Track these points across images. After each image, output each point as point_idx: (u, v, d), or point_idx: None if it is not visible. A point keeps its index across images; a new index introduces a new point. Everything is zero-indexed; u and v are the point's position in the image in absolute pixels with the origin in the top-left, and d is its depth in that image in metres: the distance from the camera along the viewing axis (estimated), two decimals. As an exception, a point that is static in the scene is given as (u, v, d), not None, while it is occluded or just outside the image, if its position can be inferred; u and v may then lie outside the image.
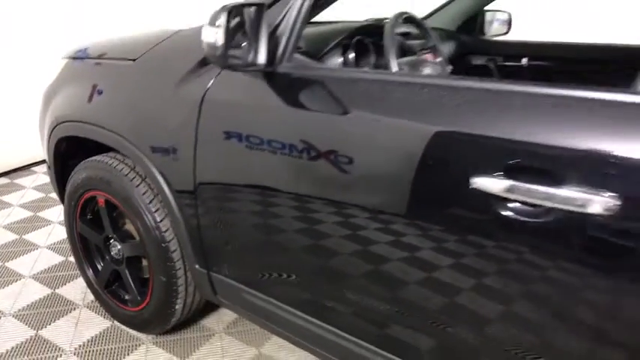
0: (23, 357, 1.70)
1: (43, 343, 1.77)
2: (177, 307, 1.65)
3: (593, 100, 0.83)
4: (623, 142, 0.76)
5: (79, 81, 1.73)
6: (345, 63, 1.53)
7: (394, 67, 1.30)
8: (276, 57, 1.19)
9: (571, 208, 0.80)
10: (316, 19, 1.49)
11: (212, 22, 1.02)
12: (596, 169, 0.79)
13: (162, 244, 1.55)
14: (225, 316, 1.94)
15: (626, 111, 0.79)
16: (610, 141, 0.77)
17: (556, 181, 0.81)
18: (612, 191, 0.76)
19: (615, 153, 0.76)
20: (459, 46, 2.37)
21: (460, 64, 2.36)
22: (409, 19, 1.53)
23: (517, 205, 0.86)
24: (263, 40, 1.11)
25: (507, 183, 0.85)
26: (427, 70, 1.46)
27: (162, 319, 1.70)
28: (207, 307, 1.91)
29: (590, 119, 0.82)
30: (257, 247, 1.35)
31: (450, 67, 1.79)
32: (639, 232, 0.77)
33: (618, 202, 0.76)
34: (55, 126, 1.79)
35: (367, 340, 1.19)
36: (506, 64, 2.35)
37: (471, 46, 2.40)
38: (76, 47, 1.82)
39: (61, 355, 1.72)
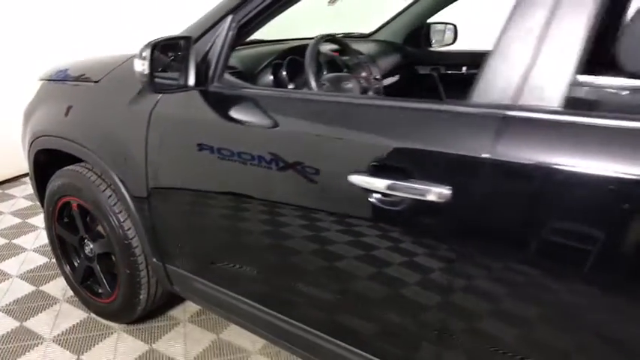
0: (9, 344, 1.92)
1: (27, 333, 1.99)
2: (141, 297, 1.87)
3: (430, 110, 1.05)
4: (449, 145, 0.98)
5: (53, 100, 1.95)
6: (278, 80, 1.75)
7: (312, 84, 1.53)
8: (207, 78, 1.41)
9: (417, 197, 1.01)
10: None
11: (140, 55, 1.25)
12: (433, 167, 1.00)
13: (125, 242, 1.76)
14: (190, 307, 2.16)
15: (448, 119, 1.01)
16: (442, 144, 0.99)
17: (406, 176, 1.03)
18: (446, 184, 0.98)
19: (446, 151, 0.98)
20: (406, 57, 2.59)
21: (407, 74, 2.59)
22: (333, 40, 1.75)
23: (380, 195, 1.07)
24: (192, 66, 1.34)
25: (371, 179, 1.07)
26: (349, 85, 1.68)
27: (129, 308, 1.92)
28: (175, 299, 2.13)
29: (424, 126, 1.04)
30: (202, 241, 1.57)
31: (395, 77, 2.01)
32: (468, 215, 0.99)
33: (450, 192, 0.97)
34: (34, 140, 2.02)
35: (303, 321, 1.39)
36: (449, 72, 2.57)
37: (417, 57, 2.62)
38: (50, 69, 2.05)
39: (42, 343, 1.94)
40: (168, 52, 1.32)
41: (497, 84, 0.97)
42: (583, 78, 0.96)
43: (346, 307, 1.26)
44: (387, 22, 2.62)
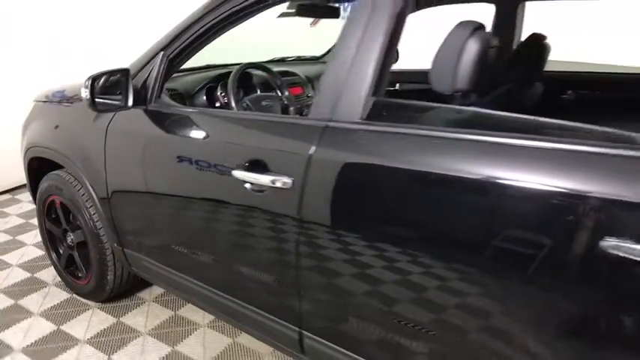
0: (4, 318, 2.34)
1: (20, 309, 2.41)
2: (109, 277, 2.27)
3: (282, 122, 1.43)
4: (291, 146, 1.35)
5: (42, 117, 2.40)
6: (211, 100, 2.15)
7: (232, 104, 1.93)
8: (146, 100, 1.82)
9: (272, 186, 1.38)
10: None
11: (84, 85, 1.66)
12: (282, 163, 1.38)
13: (95, 231, 2.18)
14: (156, 289, 2.55)
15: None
16: (287, 146, 1.37)
17: (266, 170, 1.40)
18: (289, 176, 1.35)
19: (289, 150, 1.35)
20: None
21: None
22: (255, 67, 2.15)
23: (251, 185, 1.45)
24: (130, 91, 1.75)
25: (245, 173, 1.45)
26: (269, 104, 2.06)
27: (100, 288, 2.33)
28: (144, 283, 2.52)
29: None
30: (147, 229, 1.97)
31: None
32: (305, 198, 1.35)
33: (291, 181, 1.34)
34: (28, 149, 2.46)
35: (227, 292, 1.75)
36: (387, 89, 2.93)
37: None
38: (42, 92, 2.49)
39: (30, 317, 2.35)
40: (110, 81, 1.74)
41: (322, 103, 1.35)
42: (379, 97, 1.31)
43: (242, 273, 1.64)
44: (331, 48, 3.00)
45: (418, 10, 1.36)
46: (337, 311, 1.41)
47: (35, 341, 2.18)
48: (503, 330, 1.10)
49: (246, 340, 2.15)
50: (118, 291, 2.39)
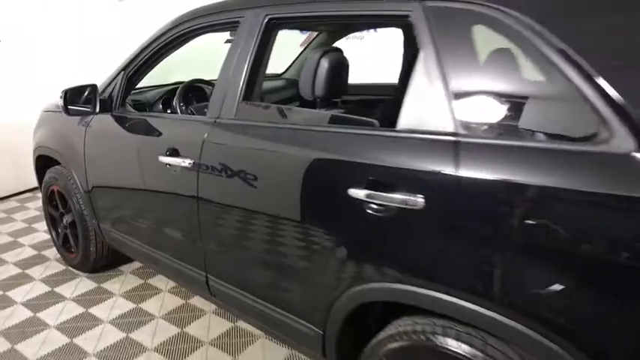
0: (14, 281, 2.95)
1: (26, 276, 3.01)
2: (91, 249, 2.84)
3: (192, 120, 1.96)
4: (193, 135, 1.88)
5: (46, 123, 3.02)
6: (168, 108, 2.71)
7: (177, 110, 2.49)
8: (112, 107, 2.39)
9: (182, 166, 1.91)
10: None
11: (60, 96, 2.25)
12: (188, 149, 1.90)
13: (81, 212, 2.76)
14: (134, 264, 3.11)
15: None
16: (191, 136, 1.90)
17: (178, 155, 1.93)
18: (191, 157, 1.88)
19: (193, 140, 1.88)
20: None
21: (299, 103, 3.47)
22: (203, 82, 2.71)
23: (169, 166, 1.98)
24: (97, 100, 2.33)
25: (168, 158, 1.98)
26: (206, 110, 2.60)
27: (86, 259, 2.91)
28: (124, 259, 3.08)
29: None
30: (113, 207, 2.53)
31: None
32: (202, 174, 1.86)
33: (192, 162, 1.87)
34: (36, 148, 3.09)
35: (160, 249, 2.29)
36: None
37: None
38: (48, 103, 3.12)
39: (32, 281, 2.95)
40: (82, 93, 2.33)
41: (213, 106, 1.87)
42: (247, 101, 1.82)
43: (167, 234, 2.16)
44: (292, 63, 3.54)
45: (282, 28, 1.87)
46: (226, 260, 1.92)
47: (33, 297, 2.76)
48: (324, 263, 1.57)
49: (197, 301, 2.67)
50: (100, 262, 2.97)
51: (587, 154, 1.04)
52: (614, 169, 1.00)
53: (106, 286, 2.89)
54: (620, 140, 1.00)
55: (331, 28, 2.80)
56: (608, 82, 1.03)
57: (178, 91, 2.56)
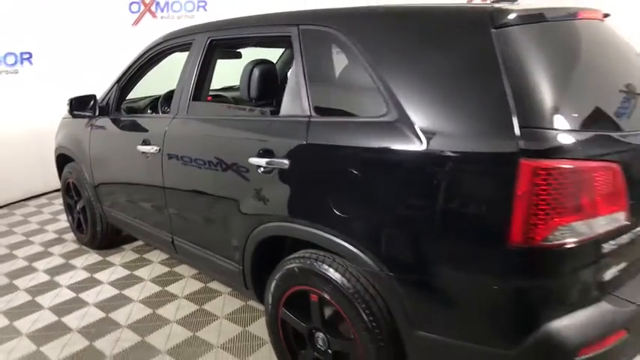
0: (41, 255, 3.63)
1: (48, 253, 3.69)
2: (97, 229, 3.51)
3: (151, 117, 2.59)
4: (154, 127, 2.51)
5: (64, 128, 3.72)
6: (154, 111, 3.36)
7: (159, 112, 3.12)
8: (108, 112, 3.05)
9: (151, 152, 2.53)
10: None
11: (66, 103, 2.92)
12: (154, 139, 2.53)
13: (89, 199, 3.43)
14: (135, 243, 3.75)
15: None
16: (153, 128, 2.52)
17: (149, 144, 2.55)
18: (157, 145, 2.50)
19: (154, 131, 2.51)
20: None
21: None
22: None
23: (143, 153, 2.60)
24: (97, 106, 2.99)
25: (142, 147, 2.61)
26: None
27: (93, 238, 3.57)
28: (128, 239, 3.73)
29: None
30: (111, 191, 3.18)
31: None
32: (165, 158, 2.47)
33: (158, 148, 2.48)
34: (56, 148, 3.80)
35: (143, 220, 2.92)
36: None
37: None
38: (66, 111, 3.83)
39: (52, 256, 3.62)
40: (84, 101, 3.00)
41: (174, 106, 2.49)
42: (195, 101, 2.42)
43: (144, 207, 2.78)
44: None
45: (224, 59, 2.48)
46: (183, 222, 2.52)
47: (52, 267, 3.44)
48: (238, 213, 2.13)
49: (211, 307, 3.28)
50: (105, 240, 3.62)
51: (376, 124, 1.58)
52: (386, 130, 1.54)
53: (110, 258, 3.54)
54: (392, 114, 1.54)
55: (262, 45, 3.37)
56: (388, 78, 1.57)
57: (161, 97, 3.20)
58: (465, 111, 1.41)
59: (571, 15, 1.61)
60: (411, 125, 1.47)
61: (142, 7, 5.87)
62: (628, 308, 1.41)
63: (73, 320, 2.73)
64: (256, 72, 2.39)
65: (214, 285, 3.04)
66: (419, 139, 1.45)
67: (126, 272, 3.31)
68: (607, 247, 1.35)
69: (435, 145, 1.42)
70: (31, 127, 5.06)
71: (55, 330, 2.64)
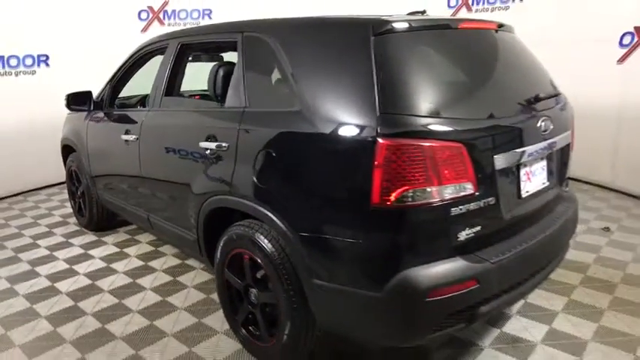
0: (48, 236, 4.09)
1: (52, 233, 4.15)
2: (94, 212, 3.95)
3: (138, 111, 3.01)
4: (134, 119, 2.92)
5: (69, 122, 4.19)
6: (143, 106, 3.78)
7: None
8: (102, 106, 3.49)
9: (131, 140, 2.94)
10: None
11: (64, 98, 3.37)
12: (132, 129, 2.94)
13: (87, 184, 3.88)
14: (128, 226, 4.17)
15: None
16: (133, 120, 2.94)
17: (129, 133, 2.97)
18: (136, 134, 2.91)
19: (135, 120, 2.92)
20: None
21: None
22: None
23: (124, 141, 3.02)
24: (91, 102, 3.43)
25: (124, 135, 3.02)
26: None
27: (91, 219, 4.02)
28: (122, 224, 4.16)
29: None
30: (104, 176, 3.61)
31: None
32: (142, 144, 2.88)
33: (136, 137, 2.89)
34: (62, 139, 4.27)
35: (127, 201, 3.34)
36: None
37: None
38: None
39: (54, 235, 4.08)
40: (81, 96, 3.44)
41: (150, 101, 2.90)
42: (168, 97, 2.81)
43: (126, 190, 3.19)
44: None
45: (193, 61, 2.87)
46: (155, 200, 2.92)
47: (53, 244, 3.89)
48: (192, 189, 2.51)
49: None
50: (101, 223, 4.06)
51: (287, 113, 1.94)
52: (293, 118, 1.90)
53: (104, 239, 3.97)
54: (297, 106, 1.89)
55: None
56: (297, 75, 1.93)
57: (149, 94, 3.63)
58: (345, 102, 1.76)
59: (449, 25, 1.94)
60: (308, 114, 1.83)
61: (151, 15, 6.37)
62: (480, 264, 1.73)
63: (64, 285, 3.16)
64: (220, 72, 2.79)
65: (191, 262, 3.43)
66: (312, 124, 1.81)
67: (116, 249, 3.73)
68: (456, 211, 1.67)
69: (323, 128, 1.77)
70: (46, 123, 5.56)
71: (47, 292, 3.07)
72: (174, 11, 6.54)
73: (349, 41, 1.82)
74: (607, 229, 3.85)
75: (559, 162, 2.23)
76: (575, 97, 5.08)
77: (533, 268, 2.01)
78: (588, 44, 4.79)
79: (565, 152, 2.26)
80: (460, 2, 6.04)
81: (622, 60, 4.61)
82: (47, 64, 5.54)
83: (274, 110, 2.04)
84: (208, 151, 2.28)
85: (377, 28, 1.75)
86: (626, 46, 4.58)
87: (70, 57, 5.64)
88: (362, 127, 1.66)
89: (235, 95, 2.24)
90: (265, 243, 2.01)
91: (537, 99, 1.96)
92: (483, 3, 5.90)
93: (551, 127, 2.00)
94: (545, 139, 1.99)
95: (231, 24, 2.44)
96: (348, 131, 1.70)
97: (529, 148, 1.89)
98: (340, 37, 1.88)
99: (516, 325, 2.55)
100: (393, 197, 1.60)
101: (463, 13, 5.99)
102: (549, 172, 2.15)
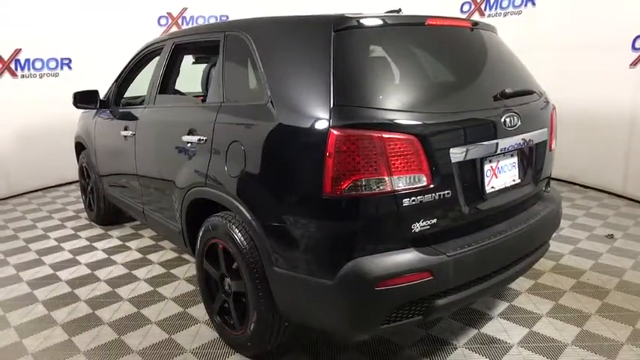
0: (59, 228, 4.29)
1: (63, 226, 4.35)
2: (101, 206, 4.11)
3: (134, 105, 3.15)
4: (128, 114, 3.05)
5: (81, 120, 4.39)
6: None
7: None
8: (108, 104, 3.65)
9: (129, 135, 3.08)
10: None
11: (72, 96, 3.54)
12: (130, 124, 3.07)
13: (95, 180, 4.05)
14: (134, 222, 4.32)
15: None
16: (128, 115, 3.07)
17: (128, 129, 3.10)
18: (132, 130, 3.04)
19: (133, 114, 3.05)
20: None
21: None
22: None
23: (124, 136, 3.15)
24: (98, 100, 3.60)
25: (123, 131, 3.16)
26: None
27: (98, 213, 4.20)
28: (129, 218, 4.32)
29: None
30: (108, 171, 3.77)
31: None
32: (137, 139, 3.01)
33: (133, 132, 3.02)
34: (75, 137, 4.48)
35: (125, 195, 3.48)
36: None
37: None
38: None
39: (66, 228, 4.27)
40: (88, 95, 3.61)
41: (147, 98, 3.02)
42: (161, 94, 2.93)
43: (125, 185, 3.32)
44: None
45: (181, 51, 2.98)
46: (149, 193, 3.03)
47: (62, 236, 4.07)
48: (176, 181, 2.61)
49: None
50: (108, 217, 4.22)
51: (256, 106, 2.01)
52: (260, 110, 1.96)
53: (110, 232, 4.13)
54: (265, 99, 1.96)
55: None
56: (266, 70, 2.00)
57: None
58: (305, 94, 1.81)
59: (415, 22, 1.97)
60: (272, 107, 1.89)
61: (170, 21, 6.60)
62: (435, 257, 1.74)
63: (64, 274, 3.31)
64: (210, 71, 2.90)
65: (187, 256, 3.53)
66: (274, 116, 1.87)
67: (119, 243, 3.87)
68: (409, 202, 1.69)
69: (284, 120, 1.83)
70: (68, 123, 5.81)
71: (48, 279, 3.23)
72: (192, 17, 6.75)
73: (313, 37, 1.87)
74: (611, 236, 3.74)
75: (533, 160, 2.21)
76: (587, 103, 5.07)
77: (499, 265, 2.00)
78: (601, 49, 4.69)
79: (540, 150, 2.24)
80: (473, 7, 6.02)
81: (634, 64, 4.48)
82: (70, 67, 5.82)
83: (246, 104, 2.12)
84: (189, 144, 2.38)
85: (338, 25, 1.80)
86: (639, 49, 4.46)
87: (91, 60, 5.90)
88: (317, 119, 1.71)
89: (215, 91, 2.33)
90: (236, 233, 2.08)
91: (504, 95, 1.96)
92: (496, 8, 5.85)
93: (519, 123, 2.00)
94: (511, 135, 1.98)
95: (217, 24, 2.55)
96: (305, 122, 1.75)
97: (489, 143, 1.89)
98: (306, 33, 1.94)
99: (496, 327, 2.53)
100: (343, 186, 1.63)
101: (475, 18, 5.94)
102: (522, 170, 2.13)
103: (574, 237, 3.75)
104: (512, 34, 5.25)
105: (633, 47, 4.50)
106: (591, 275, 3.10)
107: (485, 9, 5.95)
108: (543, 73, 4.72)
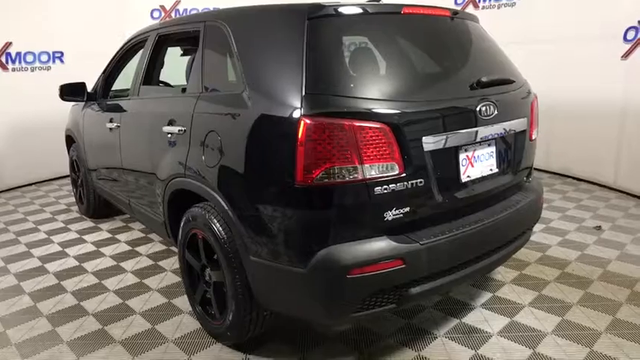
0: (51, 221, 4.30)
1: (55, 219, 4.36)
2: (91, 199, 4.12)
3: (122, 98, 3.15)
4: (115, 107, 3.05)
5: (72, 114, 4.39)
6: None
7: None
8: (96, 97, 3.65)
9: (114, 127, 3.08)
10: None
11: (58, 88, 3.54)
12: (115, 117, 3.07)
13: (85, 172, 4.06)
14: (124, 215, 4.34)
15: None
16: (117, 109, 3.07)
17: (114, 121, 3.11)
18: (117, 122, 3.04)
19: (120, 106, 3.05)
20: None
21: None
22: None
23: (109, 130, 3.16)
24: (85, 93, 3.61)
25: (108, 123, 3.17)
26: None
27: (88, 206, 4.21)
28: (118, 212, 4.33)
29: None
30: (95, 164, 3.77)
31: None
32: (122, 131, 3.01)
33: (118, 124, 3.03)
34: (65, 131, 4.48)
35: (112, 188, 3.49)
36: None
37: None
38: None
39: (58, 222, 4.28)
40: (75, 87, 3.61)
41: (132, 89, 3.02)
42: (146, 85, 2.92)
43: (114, 178, 3.33)
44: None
45: (165, 42, 2.98)
46: (133, 185, 3.04)
47: (52, 229, 4.09)
48: (158, 173, 2.61)
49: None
50: (98, 210, 4.23)
51: (232, 95, 2.01)
52: (236, 100, 1.96)
53: (100, 225, 4.15)
54: (241, 88, 1.96)
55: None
56: (242, 59, 2.00)
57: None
58: (279, 83, 1.81)
59: (390, 11, 1.96)
60: (247, 95, 1.90)
61: (163, 14, 6.57)
62: (408, 245, 1.75)
63: (52, 266, 3.33)
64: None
65: (175, 248, 3.54)
66: (248, 105, 1.87)
67: (108, 235, 3.89)
68: (380, 190, 1.70)
69: (257, 109, 1.83)
70: (59, 116, 5.82)
71: (36, 272, 3.24)
72: (185, 10, 6.72)
73: (287, 25, 1.87)
74: (598, 227, 3.74)
75: (512, 149, 2.21)
76: (578, 94, 5.06)
77: (474, 254, 2.01)
78: (592, 40, 4.68)
79: (520, 140, 2.24)
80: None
81: (626, 55, 4.47)
82: (62, 61, 5.81)
83: (223, 94, 2.12)
84: (169, 135, 2.38)
85: (311, 13, 1.80)
86: (631, 41, 4.44)
87: (83, 54, 5.87)
88: (289, 107, 1.71)
89: (195, 81, 2.33)
90: (215, 223, 2.08)
91: (480, 84, 1.96)
92: (490, 0, 5.83)
93: (495, 112, 2.00)
94: (488, 124, 1.98)
95: (198, 14, 2.54)
96: (277, 111, 1.75)
97: (463, 132, 1.89)
98: (281, 21, 1.93)
99: (477, 317, 2.53)
100: (315, 175, 1.64)
101: (469, 10, 5.92)
102: (500, 159, 2.13)
103: (563, 229, 3.76)
104: (506, 26, 5.28)
105: (625, 39, 4.48)
106: (576, 266, 3.10)
107: (479, 1, 5.92)
108: (535, 65, 4.75)
